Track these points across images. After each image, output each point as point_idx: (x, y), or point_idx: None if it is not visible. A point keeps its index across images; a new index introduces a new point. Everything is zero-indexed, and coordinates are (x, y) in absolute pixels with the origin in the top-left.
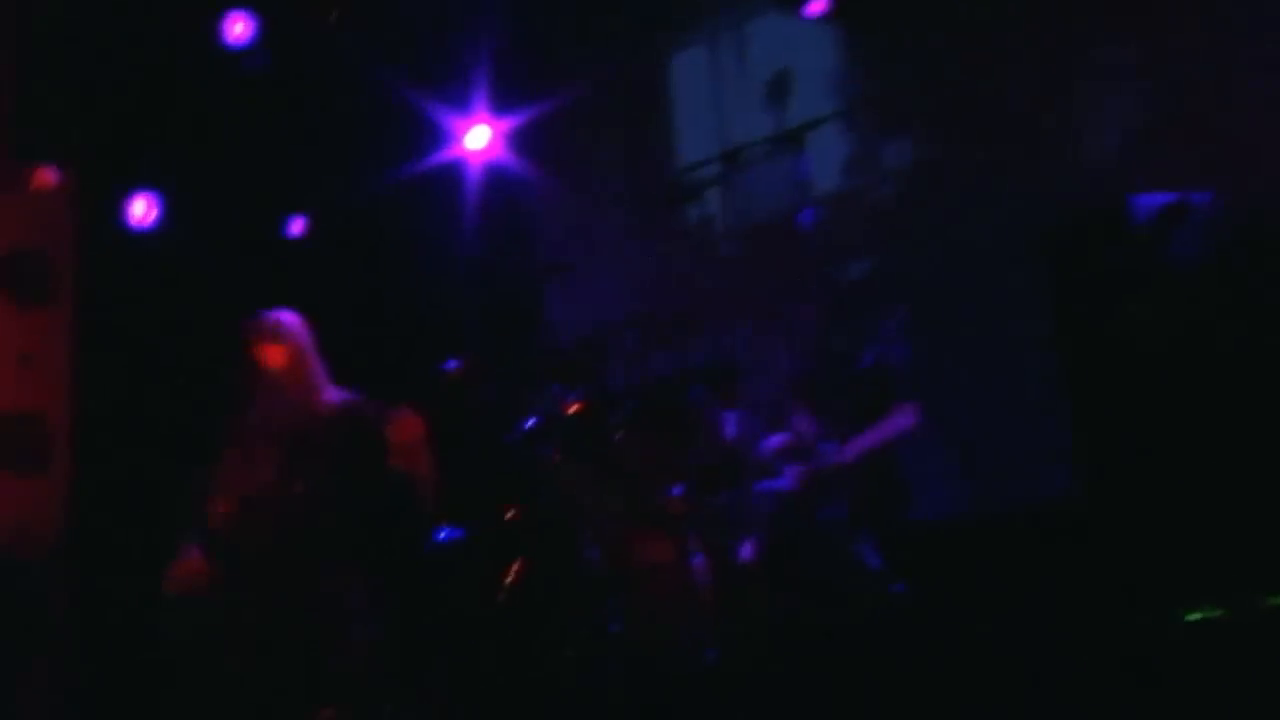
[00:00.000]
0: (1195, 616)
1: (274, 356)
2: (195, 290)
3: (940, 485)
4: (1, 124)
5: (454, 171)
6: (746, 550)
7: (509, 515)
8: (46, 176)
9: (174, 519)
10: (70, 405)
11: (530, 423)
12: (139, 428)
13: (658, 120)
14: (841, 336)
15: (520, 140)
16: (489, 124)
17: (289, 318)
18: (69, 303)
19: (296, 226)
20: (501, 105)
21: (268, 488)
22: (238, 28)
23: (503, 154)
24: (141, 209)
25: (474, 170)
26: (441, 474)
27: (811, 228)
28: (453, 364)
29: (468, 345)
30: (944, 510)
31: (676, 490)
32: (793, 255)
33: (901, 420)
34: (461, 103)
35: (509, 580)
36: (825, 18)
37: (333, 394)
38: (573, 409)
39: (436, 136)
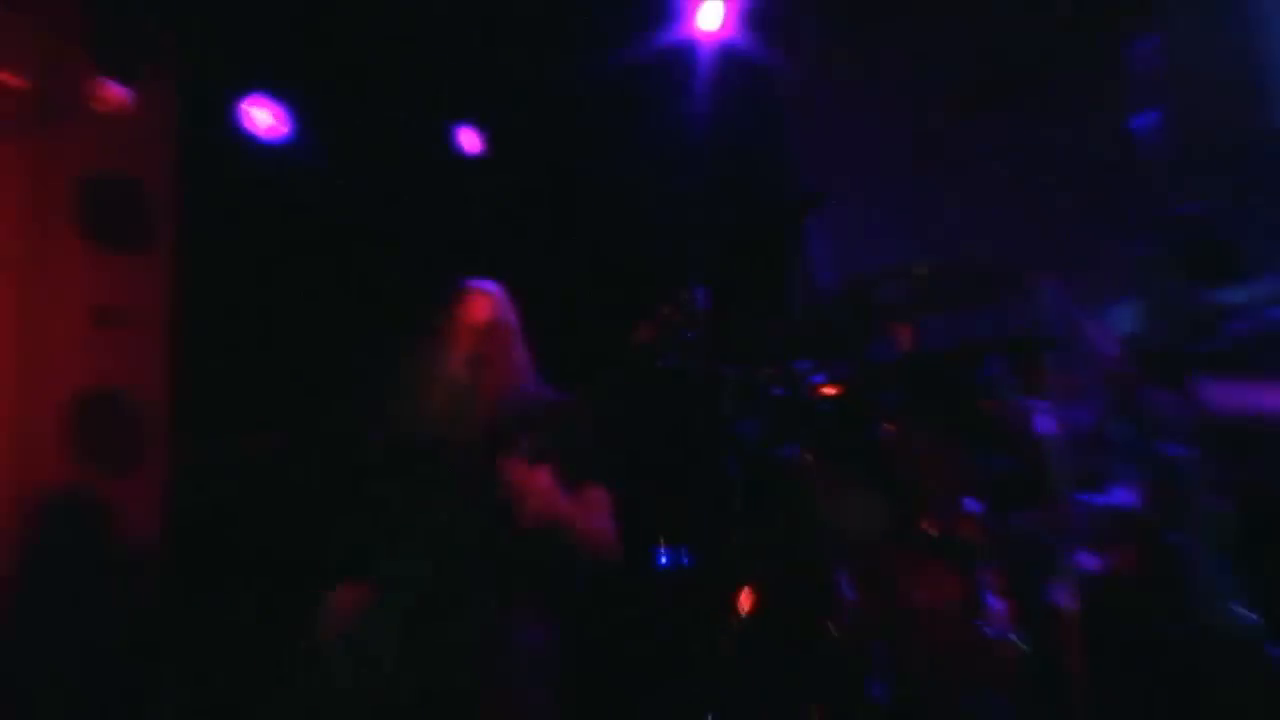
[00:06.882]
0: None
1: (470, 336)
2: (333, 229)
3: None
4: (78, 17)
5: (680, 64)
6: (1063, 592)
7: (739, 532)
8: (117, 95)
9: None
10: (168, 380)
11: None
12: (256, 410)
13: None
14: (1199, 295)
15: (770, 22)
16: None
17: (493, 290)
18: (169, 245)
19: (468, 140)
20: None
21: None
22: None
23: (746, 40)
24: (265, 118)
25: (707, 62)
26: (655, 480)
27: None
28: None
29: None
30: None
31: (967, 506)
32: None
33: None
34: None
35: (736, 621)
36: None
37: (531, 389)
38: (828, 391)
39: (657, 15)
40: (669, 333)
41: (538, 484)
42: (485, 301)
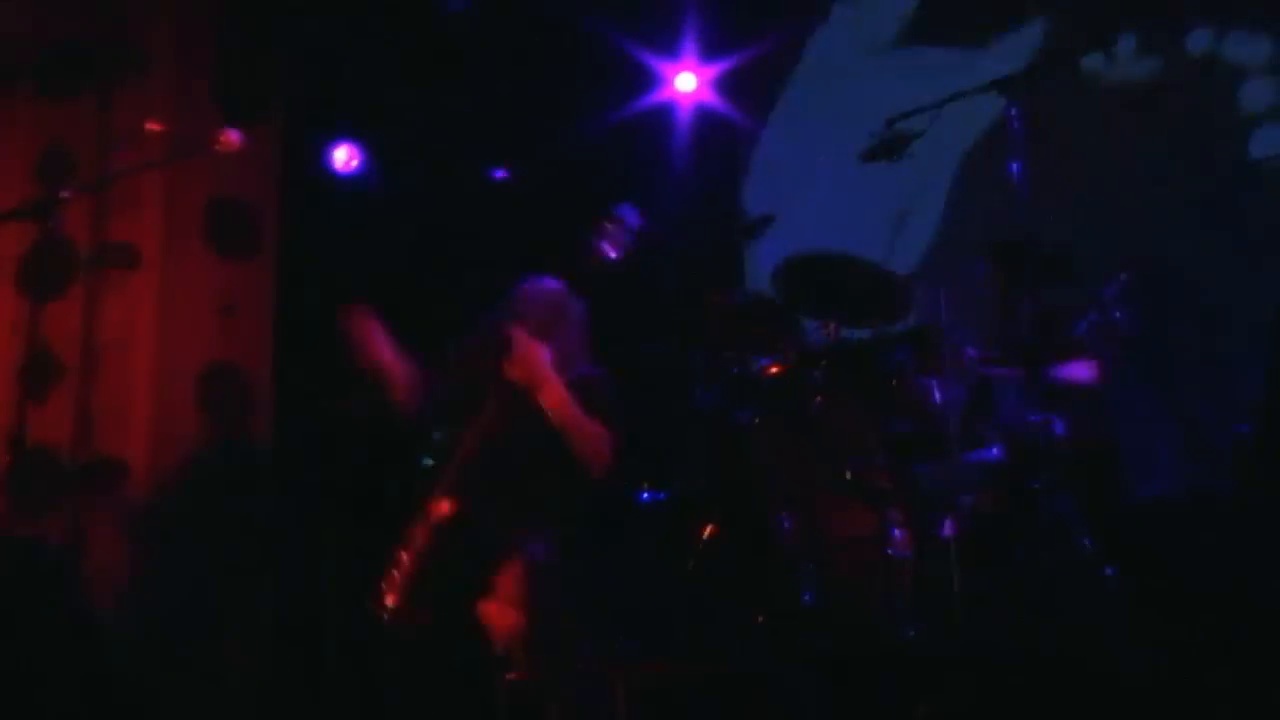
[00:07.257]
0: None
1: (522, 321)
2: (400, 241)
3: (1162, 464)
4: (206, 76)
5: (661, 119)
6: (948, 525)
7: (704, 477)
8: (234, 138)
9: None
10: (271, 357)
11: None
12: (337, 380)
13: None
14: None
15: (731, 87)
16: (697, 69)
17: (551, 285)
18: (272, 254)
19: (500, 175)
20: (711, 49)
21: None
22: None
23: (712, 101)
24: (344, 156)
25: (681, 119)
26: (638, 437)
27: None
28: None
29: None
30: (1165, 490)
31: (877, 459)
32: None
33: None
34: (670, 47)
35: (701, 545)
36: None
37: (579, 368)
38: (772, 371)
39: (644, 82)
40: (611, 240)
41: (534, 348)
42: (539, 294)
